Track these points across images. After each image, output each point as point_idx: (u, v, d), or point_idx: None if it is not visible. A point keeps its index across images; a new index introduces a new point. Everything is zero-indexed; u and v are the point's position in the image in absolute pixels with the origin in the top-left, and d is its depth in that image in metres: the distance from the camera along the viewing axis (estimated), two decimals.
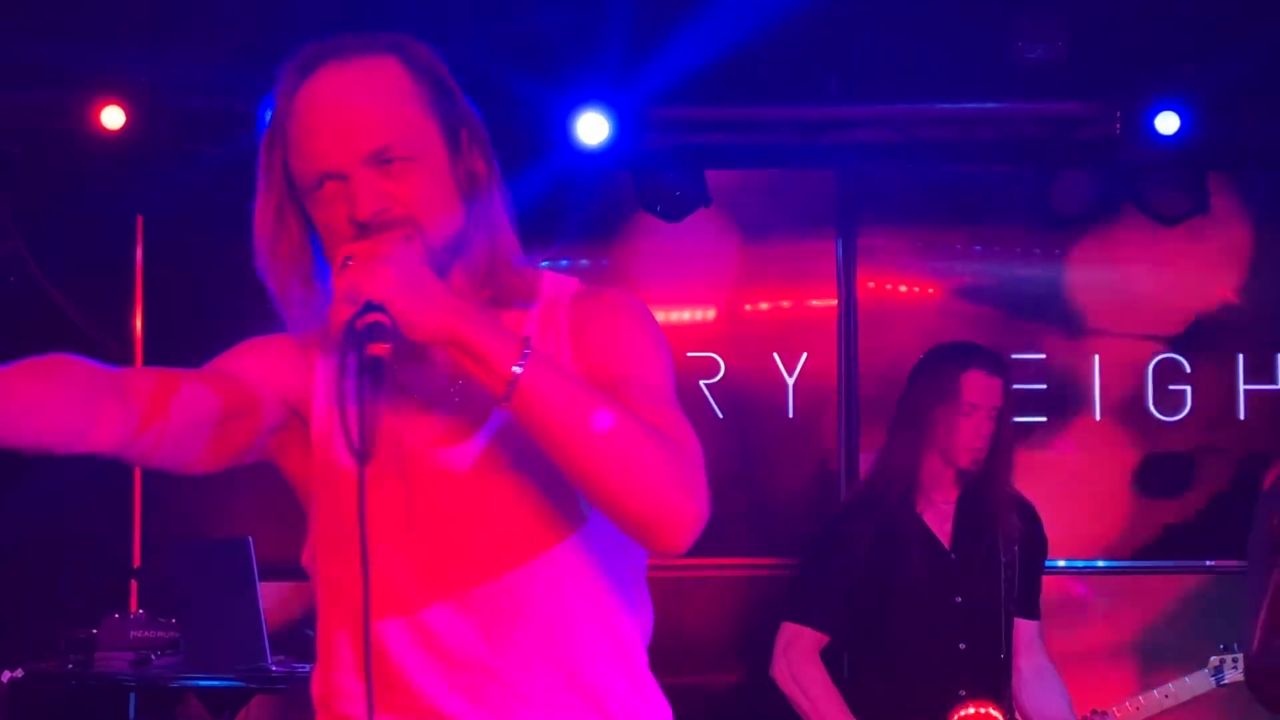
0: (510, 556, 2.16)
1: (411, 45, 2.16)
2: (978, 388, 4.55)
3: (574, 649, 2.18)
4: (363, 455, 2.00)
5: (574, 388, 2.06)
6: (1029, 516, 4.77)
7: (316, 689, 2.26)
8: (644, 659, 2.26)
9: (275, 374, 2.22)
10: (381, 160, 2.08)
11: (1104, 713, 4.45)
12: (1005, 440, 4.61)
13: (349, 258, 2.00)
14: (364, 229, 2.06)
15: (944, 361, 4.67)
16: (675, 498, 2.07)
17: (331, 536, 2.21)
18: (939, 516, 4.64)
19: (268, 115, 2.15)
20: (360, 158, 2.07)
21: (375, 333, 1.98)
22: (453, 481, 2.14)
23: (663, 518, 2.07)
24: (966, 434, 4.54)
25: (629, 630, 2.24)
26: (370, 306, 1.96)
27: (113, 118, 5.58)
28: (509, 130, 5.60)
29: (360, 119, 2.09)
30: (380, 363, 1.99)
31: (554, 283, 2.29)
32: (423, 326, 1.99)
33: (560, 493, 2.17)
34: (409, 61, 2.15)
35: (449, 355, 2.04)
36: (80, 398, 1.99)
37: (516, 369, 2.00)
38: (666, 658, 2.67)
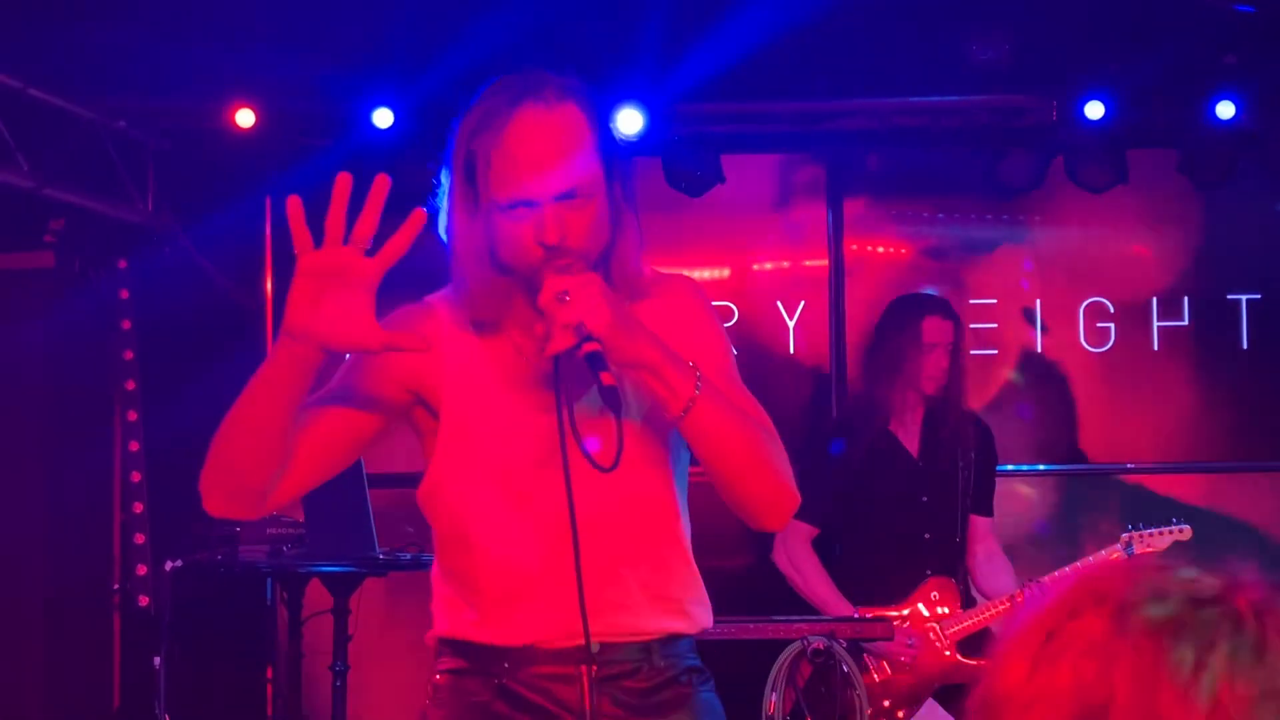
0: (643, 528, 2.24)
1: (587, 93, 2.17)
2: (935, 329, 4.60)
3: (669, 575, 2.27)
4: (615, 466, 2.03)
5: (726, 406, 2.14)
6: (983, 432, 4.79)
7: (464, 615, 2.24)
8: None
9: (398, 378, 2.21)
10: (567, 198, 2.10)
11: (1038, 581, 4.48)
12: (960, 369, 4.65)
13: (565, 293, 2.01)
14: (548, 250, 2.06)
15: (907, 310, 4.71)
16: (788, 491, 2.21)
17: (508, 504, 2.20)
18: (908, 433, 4.67)
19: (465, 136, 2.15)
20: (553, 194, 2.08)
21: (597, 361, 2.01)
22: (599, 473, 2.09)
23: (776, 506, 2.21)
24: (928, 367, 4.58)
25: (691, 550, 2.33)
26: (588, 337, 1.99)
27: (245, 118, 5.60)
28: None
29: (557, 163, 2.09)
30: (614, 392, 2.01)
31: (650, 273, 2.30)
32: (627, 355, 2.04)
33: (665, 475, 2.25)
34: (586, 110, 2.15)
35: (639, 376, 2.09)
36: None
37: (695, 392, 2.07)
38: (709, 544, 2.72)
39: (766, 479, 2.18)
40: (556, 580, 2.17)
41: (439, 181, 2.23)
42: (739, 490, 2.18)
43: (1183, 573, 0.96)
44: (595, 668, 2.18)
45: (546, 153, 2.09)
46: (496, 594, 2.21)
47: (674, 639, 2.26)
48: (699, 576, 2.32)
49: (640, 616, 2.22)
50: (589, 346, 2.00)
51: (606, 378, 2.01)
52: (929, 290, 5.22)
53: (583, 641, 2.16)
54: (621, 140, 2.25)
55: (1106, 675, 0.91)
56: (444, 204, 2.21)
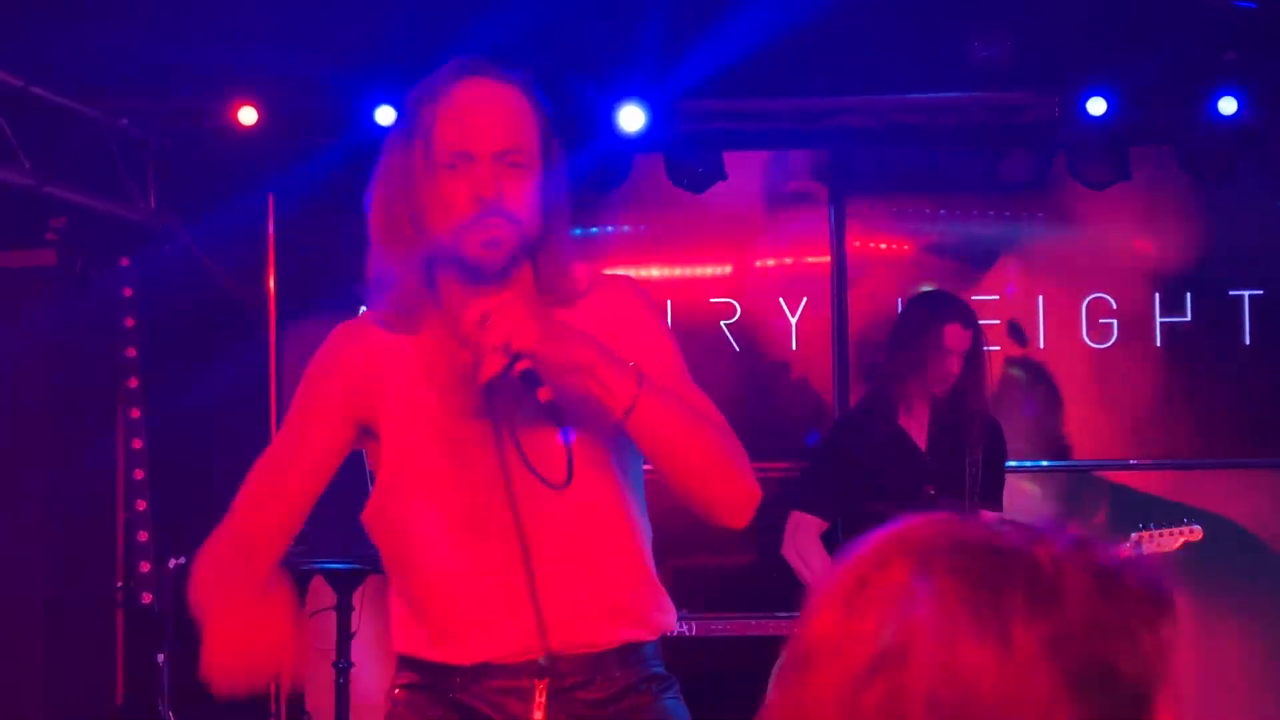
0: (593, 540, 2.20)
1: (530, 80, 2.20)
2: (956, 336, 4.62)
3: (623, 585, 2.24)
4: (568, 483, 2.01)
5: (673, 403, 2.09)
6: (992, 426, 4.80)
7: (423, 632, 2.23)
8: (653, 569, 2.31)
9: (347, 415, 2.22)
10: (506, 158, 2.11)
11: None
12: (977, 373, 4.66)
13: (486, 314, 1.99)
14: (484, 204, 2.07)
15: (930, 312, 4.72)
16: (745, 487, 2.16)
17: (455, 520, 2.19)
18: (917, 426, 4.68)
19: (411, 108, 2.16)
20: (493, 150, 2.11)
21: (531, 378, 1.99)
22: (545, 489, 2.10)
23: (734, 503, 2.17)
24: (945, 369, 4.60)
25: (649, 554, 2.29)
26: (518, 356, 1.97)
27: (247, 115, 5.60)
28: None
29: (497, 122, 2.13)
30: (554, 406, 1.99)
31: (587, 275, 2.26)
32: (560, 360, 2.00)
33: (612, 482, 2.21)
34: (530, 97, 2.19)
35: (577, 380, 2.03)
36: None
37: (637, 390, 2.03)
38: (693, 543, 2.73)
39: (721, 476, 2.14)
40: (506, 599, 2.15)
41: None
42: (694, 489, 2.13)
43: (990, 525, 1.00)
44: (550, 680, 2.17)
45: (490, 111, 2.13)
46: (446, 615, 2.20)
47: (632, 648, 2.23)
48: (656, 580, 2.29)
49: (595, 629, 2.19)
50: (521, 365, 1.99)
51: (544, 393, 1.99)
52: (948, 291, 5.22)
53: (536, 656, 2.15)
54: (563, 152, 2.24)
55: (908, 620, 0.95)
56: (371, 190, 2.20)
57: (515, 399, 2.08)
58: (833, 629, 0.98)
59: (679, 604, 2.50)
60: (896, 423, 4.68)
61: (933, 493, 4.62)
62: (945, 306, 4.75)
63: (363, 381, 2.22)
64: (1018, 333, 6.17)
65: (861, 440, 4.69)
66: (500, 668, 2.18)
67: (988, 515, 1.08)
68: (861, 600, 0.98)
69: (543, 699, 2.17)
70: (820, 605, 1.00)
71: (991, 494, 4.75)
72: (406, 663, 2.29)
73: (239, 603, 2.12)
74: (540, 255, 2.19)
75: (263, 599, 2.12)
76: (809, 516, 4.64)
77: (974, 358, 4.64)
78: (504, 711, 2.19)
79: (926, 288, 5.83)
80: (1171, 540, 4.62)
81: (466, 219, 2.09)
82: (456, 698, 2.21)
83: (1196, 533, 4.64)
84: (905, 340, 4.72)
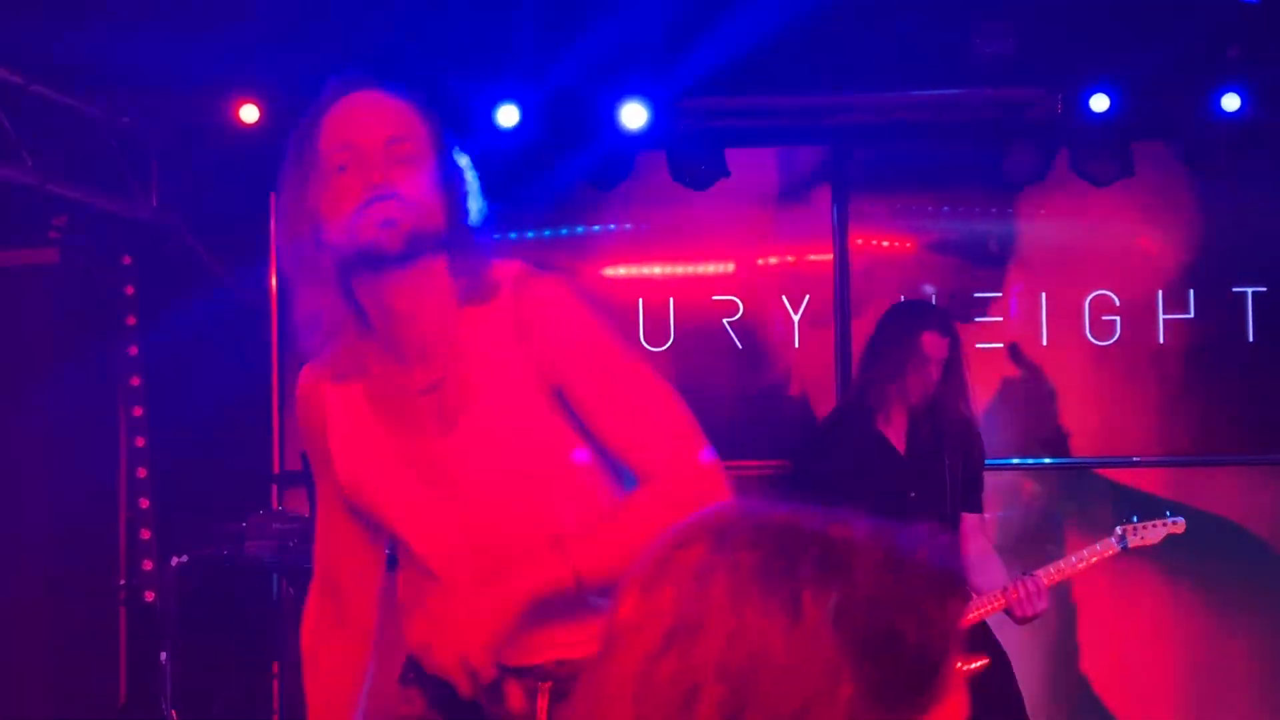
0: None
1: (412, 87, 2.23)
2: (933, 344, 4.62)
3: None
4: None
5: (608, 543, 2.11)
6: (970, 428, 4.79)
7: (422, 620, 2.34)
8: None
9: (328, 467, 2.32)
10: (392, 148, 2.11)
11: (1031, 575, 4.47)
12: (957, 380, 4.66)
13: (428, 644, 2.16)
14: (374, 189, 2.08)
15: (906, 321, 4.72)
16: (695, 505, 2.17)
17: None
18: (896, 431, 4.68)
19: (296, 139, 2.21)
20: (379, 139, 2.12)
21: (500, 681, 2.15)
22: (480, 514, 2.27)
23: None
24: (921, 378, 4.60)
25: None
26: (477, 668, 2.08)
27: (249, 113, 5.60)
28: (569, 118, 5.61)
29: (379, 115, 2.15)
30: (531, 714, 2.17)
31: (505, 277, 2.23)
32: (511, 637, 2.09)
33: (550, 490, 2.25)
34: (410, 97, 2.21)
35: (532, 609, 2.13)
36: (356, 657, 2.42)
37: (573, 570, 2.09)
38: None
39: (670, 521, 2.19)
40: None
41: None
42: None
43: (793, 510, 1.04)
44: (552, 684, 2.22)
45: (370, 108, 2.16)
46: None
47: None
48: None
49: (593, 638, 2.22)
50: (491, 673, 2.09)
51: (514, 701, 2.17)
52: (928, 297, 5.23)
53: (540, 660, 2.23)
54: (458, 153, 2.24)
55: (702, 593, 0.98)
56: (277, 236, 2.29)
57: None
58: (633, 610, 1.01)
59: None
60: (875, 427, 4.67)
61: (913, 496, 4.61)
62: (922, 315, 4.77)
63: (319, 434, 2.31)
64: (1018, 355, 6.16)
65: (842, 444, 4.70)
66: (508, 669, 2.22)
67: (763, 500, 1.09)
68: (660, 579, 1.01)
69: (545, 701, 2.21)
70: (624, 588, 1.03)
71: (971, 497, 4.74)
72: (417, 659, 2.35)
73: (322, 661, 2.39)
74: (451, 251, 2.17)
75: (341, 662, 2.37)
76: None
77: (952, 364, 4.64)
78: (509, 713, 2.25)
79: (928, 298, 5.83)
80: (1154, 533, 4.62)
81: (358, 206, 2.08)
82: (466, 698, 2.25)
83: (1179, 525, 4.64)
84: (882, 350, 4.73)
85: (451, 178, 2.17)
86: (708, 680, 0.96)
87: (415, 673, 2.33)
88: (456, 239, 2.16)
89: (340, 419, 2.26)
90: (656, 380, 2.24)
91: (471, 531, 2.21)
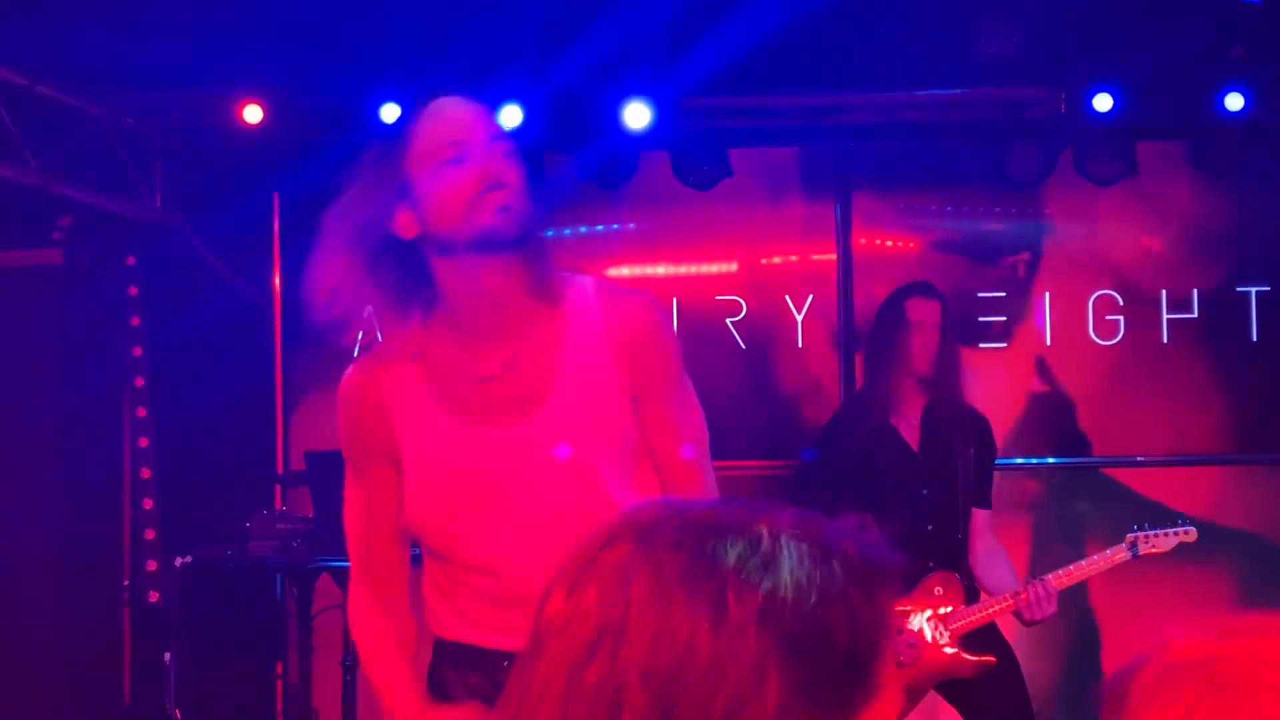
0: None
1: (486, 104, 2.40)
2: (917, 308, 4.64)
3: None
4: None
5: None
6: (982, 426, 4.78)
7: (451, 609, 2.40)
8: None
9: (385, 453, 2.37)
10: (495, 141, 2.29)
11: (1041, 579, 4.47)
12: (950, 351, 4.67)
13: (487, 627, 2.31)
14: (491, 182, 2.24)
15: (892, 297, 4.79)
16: None
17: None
18: (909, 426, 4.67)
19: (384, 146, 2.34)
20: (487, 136, 2.29)
21: None
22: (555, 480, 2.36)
23: None
24: (916, 345, 4.61)
25: None
26: None
27: (252, 114, 5.61)
28: (573, 118, 5.61)
29: (479, 115, 2.33)
30: None
31: (571, 283, 2.37)
32: None
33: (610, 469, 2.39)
34: (490, 109, 2.40)
35: None
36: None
37: None
38: None
39: None
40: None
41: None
42: None
43: (715, 506, 1.02)
44: None
45: (474, 109, 2.33)
46: (482, 604, 2.36)
47: None
48: None
49: None
50: None
51: None
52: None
53: None
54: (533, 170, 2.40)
55: (626, 595, 0.97)
56: (329, 251, 2.31)
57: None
58: (559, 611, 1.00)
59: None
60: (887, 421, 4.67)
61: (925, 492, 4.61)
62: (905, 286, 4.83)
63: (378, 423, 2.36)
64: (1044, 370, 6.17)
65: (853, 439, 4.68)
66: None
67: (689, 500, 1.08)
68: (584, 580, 0.99)
69: None
70: (551, 588, 1.02)
71: (983, 493, 4.73)
72: (445, 645, 2.42)
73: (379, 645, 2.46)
74: (527, 254, 2.29)
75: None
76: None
77: (946, 335, 4.67)
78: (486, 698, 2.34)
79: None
80: (1166, 541, 4.62)
81: (477, 194, 2.23)
82: (498, 679, 2.31)
83: (1191, 534, 4.63)
84: (875, 331, 4.80)
85: (534, 188, 2.32)
86: (633, 683, 0.94)
87: (462, 656, 2.39)
88: (535, 245, 2.30)
89: (405, 406, 2.33)
90: (698, 403, 2.45)
91: (534, 517, 2.28)
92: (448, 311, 2.29)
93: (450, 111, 2.31)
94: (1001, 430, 5.15)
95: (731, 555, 0.97)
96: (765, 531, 0.99)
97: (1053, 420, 6.20)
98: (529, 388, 2.29)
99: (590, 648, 0.96)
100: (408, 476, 2.34)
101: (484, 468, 2.30)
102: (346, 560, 5.21)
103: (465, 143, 2.26)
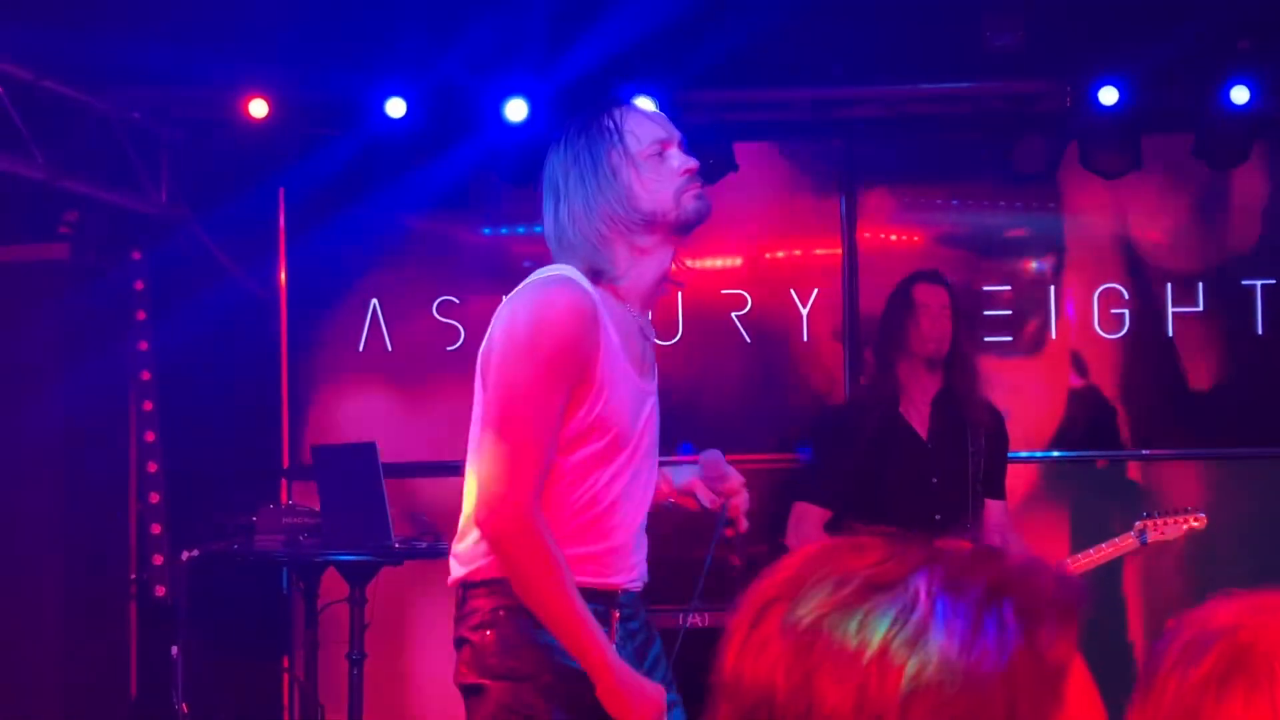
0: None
1: None
2: (924, 291, 4.66)
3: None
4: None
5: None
6: (994, 415, 4.78)
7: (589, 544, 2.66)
8: None
9: (572, 386, 2.63)
10: (681, 141, 2.76)
11: None
12: (961, 343, 4.67)
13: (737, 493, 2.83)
14: (693, 173, 2.70)
15: (899, 285, 4.81)
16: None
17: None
18: (919, 416, 4.67)
19: (589, 118, 2.72)
20: (679, 135, 2.75)
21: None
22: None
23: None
24: (924, 328, 4.62)
25: None
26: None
27: (258, 108, 5.61)
28: (577, 112, 5.61)
29: (665, 118, 2.81)
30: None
31: None
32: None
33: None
34: None
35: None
36: None
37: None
38: (705, 535, 2.77)
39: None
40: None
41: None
42: None
43: (881, 554, 0.97)
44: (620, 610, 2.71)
45: (656, 112, 2.91)
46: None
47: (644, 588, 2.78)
48: None
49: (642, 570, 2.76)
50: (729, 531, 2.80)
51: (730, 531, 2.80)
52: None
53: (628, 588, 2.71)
54: None
55: (772, 674, 0.95)
56: (580, 185, 2.66)
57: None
58: (729, 669, 0.98)
59: (692, 594, 2.71)
60: (897, 411, 4.67)
61: (935, 482, 4.60)
62: (913, 274, 4.85)
63: (592, 349, 2.63)
64: (1050, 364, 6.18)
65: (862, 430, 4.68)
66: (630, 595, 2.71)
67: (863, 538, 1.05)
68: (748, 643, 0.98)
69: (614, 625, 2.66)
70: (727, 640, 1.00)
71: (994, 483, 4.73)
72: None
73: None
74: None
75: None
76: (812, 507, 4.63)
77: (956, 319, 4.68)
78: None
79: None
80: (1175, 528, 4.61)
81: (683, 184, 2.68)
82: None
83: (1201, 520, 4.62)
84: (885, 318, 4.83)
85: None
86: None
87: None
88: None
89: (607, 343, 2.63)
90: None
91: (650, 465, 2.74)
92: (629, 277, 2.67)
93: (644, 112, 2.77)
94: (1007, 423, 5.14)
95: (879, 629, 0.93)
96: (922, 592, 0.94)
97: (1058, 414, 6.20)
98: (653, 358, 2.77)
99: (750, 717, 0.96)
100: (594, 400, 2.59)
101: (641, 410, 2.68)
102: (352, 554, 5.22)
103: (664, 140, 2.69)
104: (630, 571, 2.68)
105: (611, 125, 2.69)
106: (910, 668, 0.91)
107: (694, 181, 2.70)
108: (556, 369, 2.54)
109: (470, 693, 2.59)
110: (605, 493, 2.62)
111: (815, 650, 0.94)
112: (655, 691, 2.56)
